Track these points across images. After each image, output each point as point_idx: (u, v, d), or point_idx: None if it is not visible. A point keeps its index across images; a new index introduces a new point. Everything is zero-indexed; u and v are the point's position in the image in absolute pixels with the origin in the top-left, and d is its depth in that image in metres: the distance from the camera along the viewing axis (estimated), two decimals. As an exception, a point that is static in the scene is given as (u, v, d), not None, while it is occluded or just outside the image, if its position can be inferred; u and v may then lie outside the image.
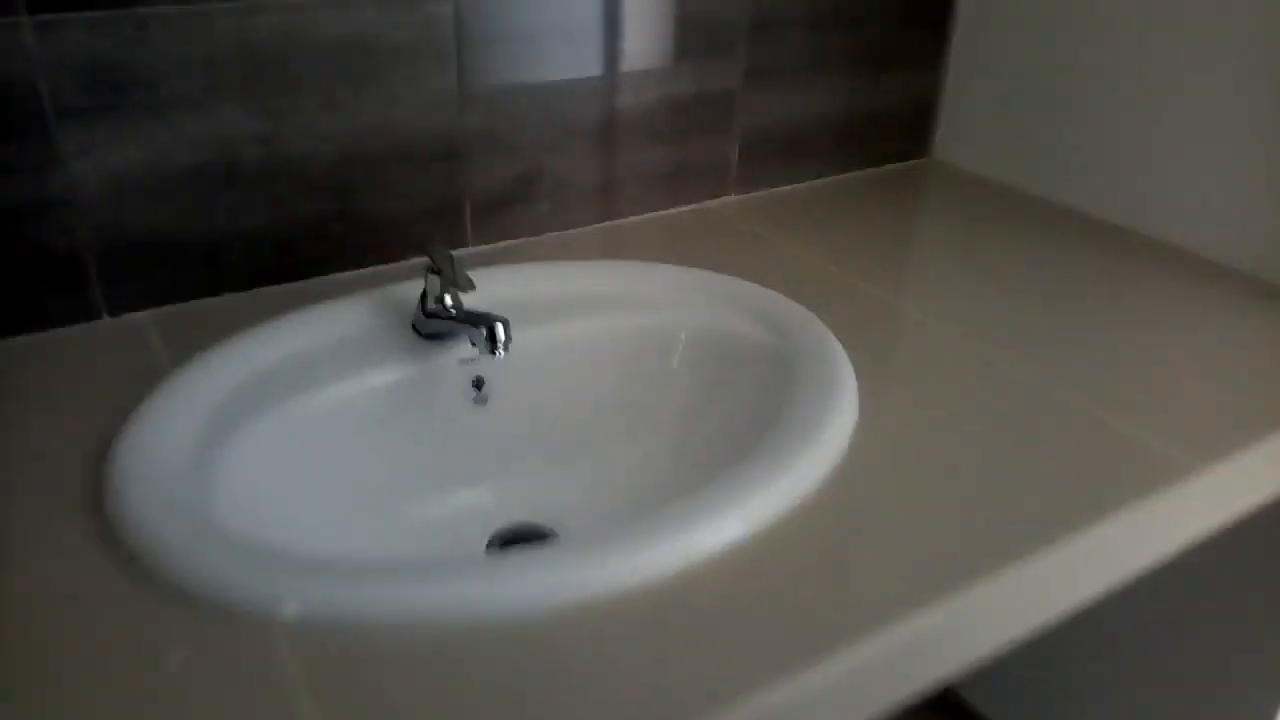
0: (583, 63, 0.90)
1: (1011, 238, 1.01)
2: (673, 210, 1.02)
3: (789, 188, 1.10)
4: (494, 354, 0.68)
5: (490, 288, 0.80)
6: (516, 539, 0.75)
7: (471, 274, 0.72)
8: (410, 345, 0.75)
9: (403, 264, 0.88)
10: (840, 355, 0.73)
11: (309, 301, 0.78)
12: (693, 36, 0.95)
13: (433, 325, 0.74)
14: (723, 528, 0.56)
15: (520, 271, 0.85)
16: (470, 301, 0.76)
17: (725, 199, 1.05)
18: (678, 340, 0.80)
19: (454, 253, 0.90)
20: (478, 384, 0.77)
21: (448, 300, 0.74)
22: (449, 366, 0.75)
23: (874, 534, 0.58)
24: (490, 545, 0.74)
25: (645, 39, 0.93)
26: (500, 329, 0.68)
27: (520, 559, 0.54)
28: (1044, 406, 0.71)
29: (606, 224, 0.98)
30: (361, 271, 0.87)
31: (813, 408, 0.66)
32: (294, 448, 0.67)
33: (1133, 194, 1.01)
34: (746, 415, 0.74)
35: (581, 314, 0.81)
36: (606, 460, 0.78)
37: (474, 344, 0.70)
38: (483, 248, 0.92)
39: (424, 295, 0.75)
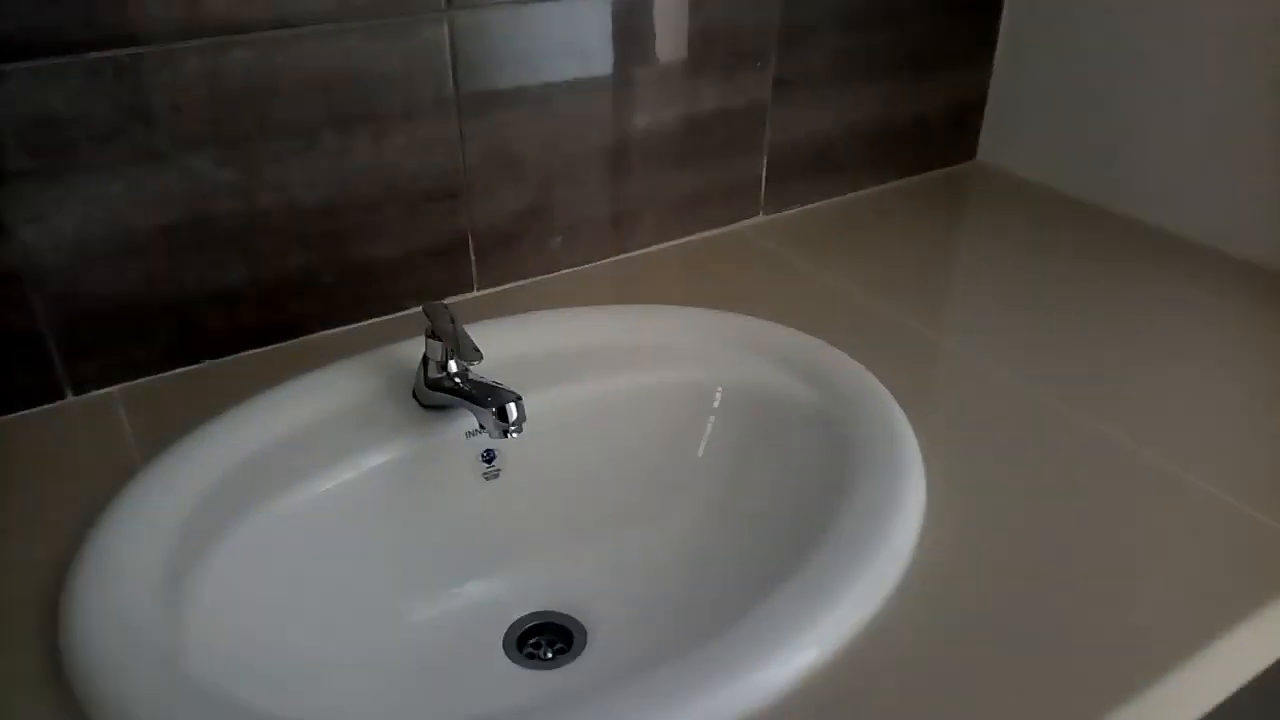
0: (593, 83, 0.80)
1: (1071, 254, 0.91)
2: (697, 236, 0.93)
3: (822, 203, 1.00)
4: (506, 436, 0.60)
5: (497, 343, 0.71)
6: (537, 632, 0.67)
7: (477, 327, 0.63)
8: (411, 416, 0.67)
9: (403, 314, 0.80)
10: (900, 420, 0.64)
11: (298, 364, 0.70)
12: (715, 47, 0.86)
13: (435, 398, 0.66)
14: (793, 657, 0.48)
15: (531, 323, 0.76)
16: (477, 365, 0.67)
17: (753, 221, 0.96)
18: (712, 399, 0.72)
19: (458, 299, 0.82)
20: (487, 457, 0.69)
21: (451, 367, 0.65)
22: (455, 440, 0.67)
23: (976, 653, 0.50)
24: (508, 642, 0.66)
25: (662, 53, 0.83)
26: (512, 409, 0.60)
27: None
28: (1139, 477, 0.62)
29: (624, 256, 0.90)
30: (357, 325, 0.78)
31: (875, 490, 0.58)
32: (280, 554, 0.59)
33: (1201, 203, 0.91)
34: (793, 490, 0.66)
35: (602, 371, 0.72)
36: (634, 537, 0.70)
37: (482, 426, 0.62)
38: (490, 290, 0.83)
39: (424, 361, 0.66)
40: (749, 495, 0.69)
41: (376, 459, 0.64)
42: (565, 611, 0.68)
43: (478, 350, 0.63)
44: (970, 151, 1.10)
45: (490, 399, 0.61)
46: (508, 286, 0.84)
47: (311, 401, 0.67)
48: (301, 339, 0.76)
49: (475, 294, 0.83)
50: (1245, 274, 0.87)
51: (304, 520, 0.61)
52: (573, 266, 0.87)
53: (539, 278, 0.86)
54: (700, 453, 0.71)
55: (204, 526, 0.57)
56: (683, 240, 0.92)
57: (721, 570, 0.66)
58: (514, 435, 0.60)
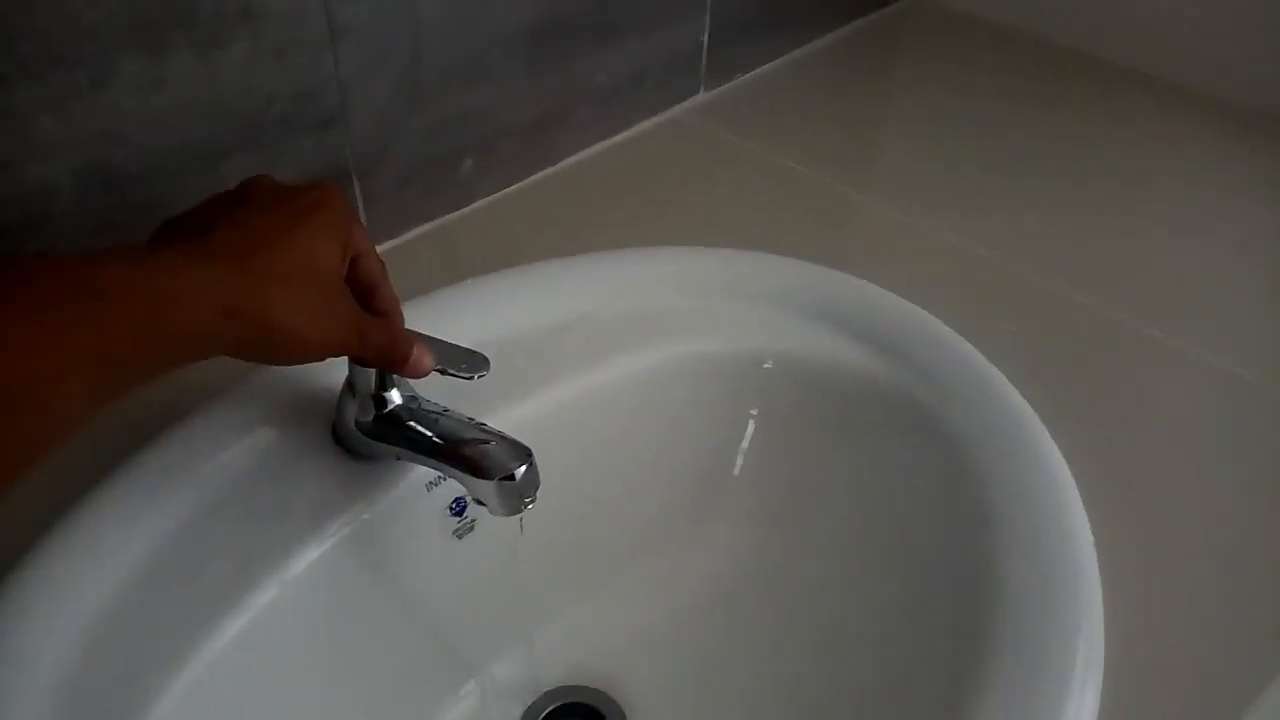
0: (501, -65, 0.56)
1: (1046, 104, 0.77)
2: (635, 130, 0.72)
3: (767, 68, 0.80)
4: (521, 512, 0.40)
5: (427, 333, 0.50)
6: (563, 717, 0.50)
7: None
8: (339, 474, 0.45)
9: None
10: (1033, 421, 0.48)
11: (133, 423, 0.46)
12: None
13: (375, 449, 0.45)
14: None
15: (468, 298, 0.54)
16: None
17: (695, 100, 0.76)
18: (744, 381, 0.54)
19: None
20: (456, 509, 0.49)
21: (394, 398, 0.44)
22: (411, 496, 0.47)
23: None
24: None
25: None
26: (523, 472, 0.40)
27: None
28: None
29: (551, 170, 0.68)
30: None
31: (1027, 545, 0.42)
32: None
33: (1181, 38, 0.78)
34: (881, 507, 0.50)
35: (580, 360, 0.52)
36: (660, 575, 0.53)
37: (479, 501, 0.41)
38: (389, 244, 0.60)
39: (347, 388, 0.45)
40: (808, 511, 0.53)
41: (305, 557, 0.43)
42: (593, 686, 0.51)
43: (473, 356, 0.43)
44: (914, -16, 0.92)
45: (481, 460, 0.41)
46: (411, 235, 0.61)
47: (178, 491, 0.44)
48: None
49: (368, 251, 0.60)
50: (1248, 123, 0.76)
51: (223, 681, 0.40)
52: (491, 194, 0.65)
53: (450, 216, 0.63)
54: (738, 462, 0.54)
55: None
56: (619, 137, 0.71)
57: (777, 611, 0.51)
58: (530, 507, 0.41)
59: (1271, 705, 0.40)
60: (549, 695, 0.51)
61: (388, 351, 0.40)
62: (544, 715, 0.51)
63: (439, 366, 0.42)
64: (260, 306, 0.34)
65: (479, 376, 0.43)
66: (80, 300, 0.29)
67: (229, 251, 0.34)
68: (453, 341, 0.44)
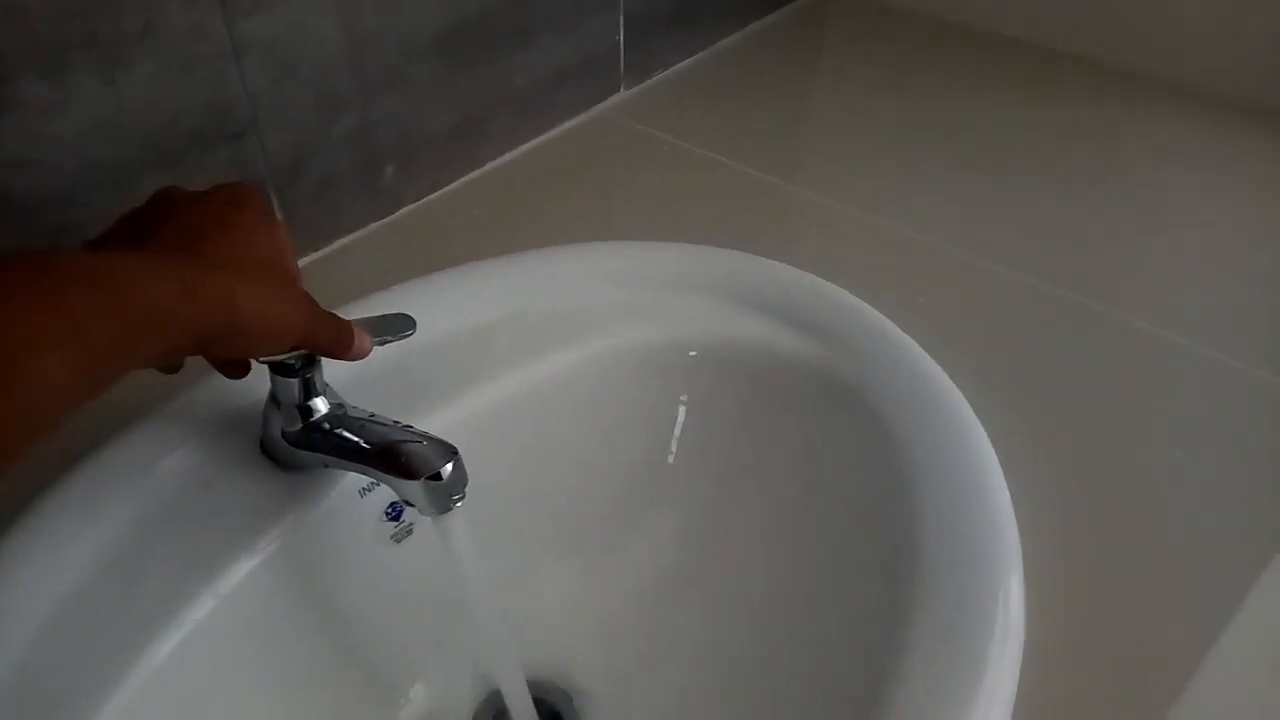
0: (406, -58, 0.57)
1: (945, 81, 0.80)
2: (556, 131, 0.72)
3: (687, 63, 0.81)
4: (449, 510, 0.41)
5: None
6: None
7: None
8: (269, 486, 0.45)
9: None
10: (949, 388, 0.49)
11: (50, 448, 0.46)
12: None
13: (303, 458, 0.45)
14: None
15: (387, 309, 0.54)
16: (361, 380, 0.46)
17: (616, 99, 0.76)
18: (676, 367, 0.55)
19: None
20: (393, 513, 0.49)
21: (319, 407, 0.44)
22: (345, 503, 0.47)
23: None
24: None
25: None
26: (449, 470, 0.40)
27: None
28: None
29: (476, 174, 0.68)
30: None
31: (948, 507, 0.44)
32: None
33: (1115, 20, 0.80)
34: (810, 481, 0.51)
35: (514, 355, 0.53)
36: (601, 566, 0.54)
37: (409, 502, 0.42)
38: (311, 257, 0.60)
39: (271, 400, 0.45)
40: (746, 490, 0.54)
41: (240, 569, 0.43)
42: (542, 679, 0.52)
43: (397, 318, 0.45)
44: (827, -25, 0.93)
45: (407, 460, 0.41)
46: (334, 246, 0.61)
47: (108, 510, 0.43)
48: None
49: (292, 264, 0.60)
50: (1179, 97, 0.78)
51: (163, 696, 0.40)
52: (415, 201, 0.65)
53: (373, 225, 0.63)
54: (673, 450, 0.55)
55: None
56: (542, 139, 0.71)
57: (721, 587, 0.52)
58: (459, 505, 0.41)
59: (1192, 660, 0.42)
60: (498, 693, 0.51)
61: (338, 336, 0.41)
62: (495, 714, 0.51)
63: (377, 341, 0.43)
64: (224, 290, 0.34)
65: (410, 334, 0.45)
66: (44, 284, 0.29)
67: (178, 246, 0.34)
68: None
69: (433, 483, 0.40)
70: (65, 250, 0.31)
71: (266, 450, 0.47)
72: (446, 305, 0.54)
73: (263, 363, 0.42)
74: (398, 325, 0.45)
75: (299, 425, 0.44)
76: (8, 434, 0.28)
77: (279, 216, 0.57)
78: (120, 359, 0.31)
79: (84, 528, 0.42)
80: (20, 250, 0.29)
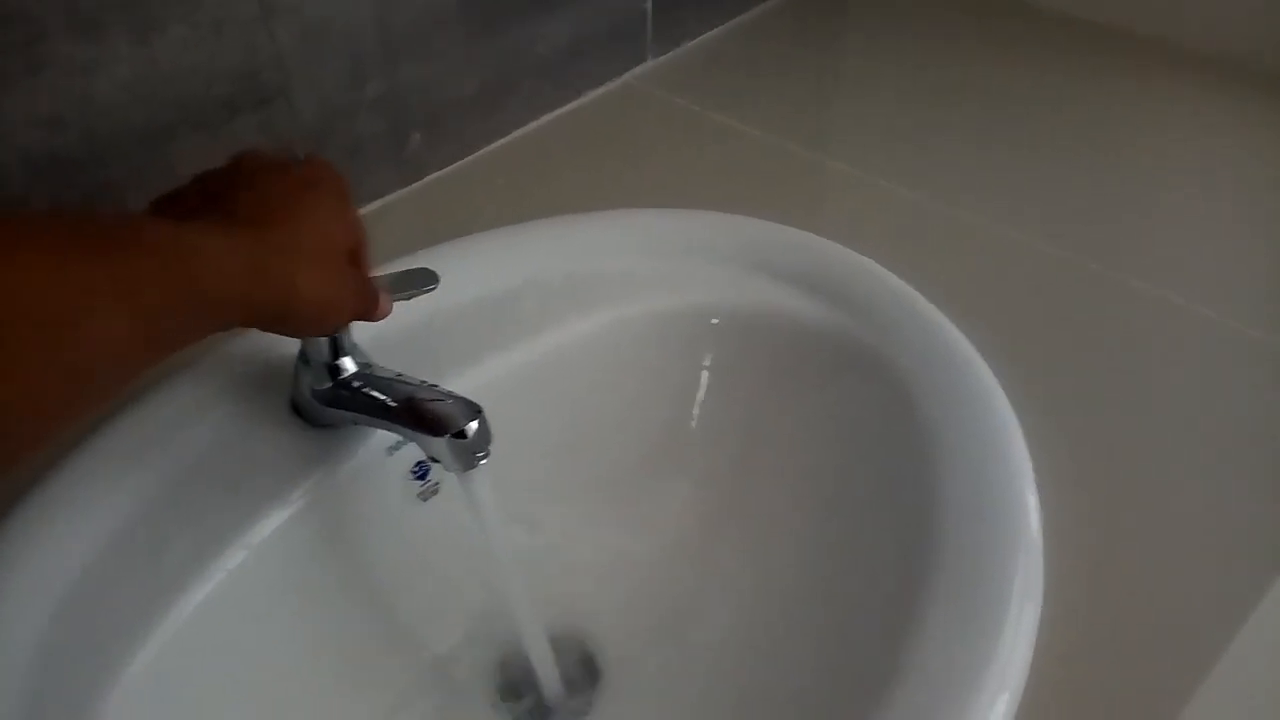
0: (434, -93, 0.57)
1: (994, 53, 0.78)
2: (584, 99, 0.73)
3: (715, 32, 0.81)
4: (471, 469, 0.42)
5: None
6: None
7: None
8: (299, 444, 0.46)
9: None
10: (971, 355, 0.49)
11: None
12: None
13: (332, 415, 0.46)
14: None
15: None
16: (388, 341, 0.47)
17: (642, 68, 0.76)
18: (701, 335, 0.55)
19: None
20: (420, 472, 0.50)
21: (347, 366, 0.45)
22: (372, 461, 0.47)
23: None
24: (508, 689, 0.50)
25: None
26: (474, 428, 0.41)
27: None
28: None
29: (502, 142, 0.68)
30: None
31: (971, 482, 0.44)
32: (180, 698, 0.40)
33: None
34: (832, 447, 0.51)
35: (538, 320, 0.54)
36: (626, 529, 0.54)
37: (434, 459, 0.42)
38: (341, 221, 0.61)
39: (301, 359, 0.46)
40: (767, 456, 0.54)
41: (270, 522, 0.44)
42: (566, 636, 0.52)
43: (420, 273, 0.46)
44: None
45: (433, 417, 0.42)
46: (363, 211, 0.62)
47: (141, 466, 0.44)
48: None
49: (320, 229, 0.60)
50: (1203, 68, 0.77)
51: (192, 645, 0.41)
52: (441, 168, 0.65)
53: (400, 192, 0.64)
54: (694, 415, 0.55)
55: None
56: (568, 107, 0.72)
57: (746, 549, 0.52)
58: (483, 463, 0.42)
59: (1214, 624, 0.42)
60: (520, 654, 0.52)
61: (371, 305, 0.41)
62: (518, 670, 0.52)
63: (400, 298, 0.44)
64: (287, 274, 0.35)
65: (433, 287, 0.46)
66: (110, 246, 0.29)
67: (250, 223, 0.35)
68: (407, 305, 0.46)
69: (457, 440, 0.41)
70: (148, 218, 0.32)
71: (296, 408, 0.47)
72: (472, 270, 0.55)
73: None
74: (420, 279, 0.46)
75: (328, 383, 0.45)
76: (51, 385, 0.28)
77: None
78: (176, 330, 0.32)
79: (118, 481, 0.44)
80: (94, 209, 0.30)
